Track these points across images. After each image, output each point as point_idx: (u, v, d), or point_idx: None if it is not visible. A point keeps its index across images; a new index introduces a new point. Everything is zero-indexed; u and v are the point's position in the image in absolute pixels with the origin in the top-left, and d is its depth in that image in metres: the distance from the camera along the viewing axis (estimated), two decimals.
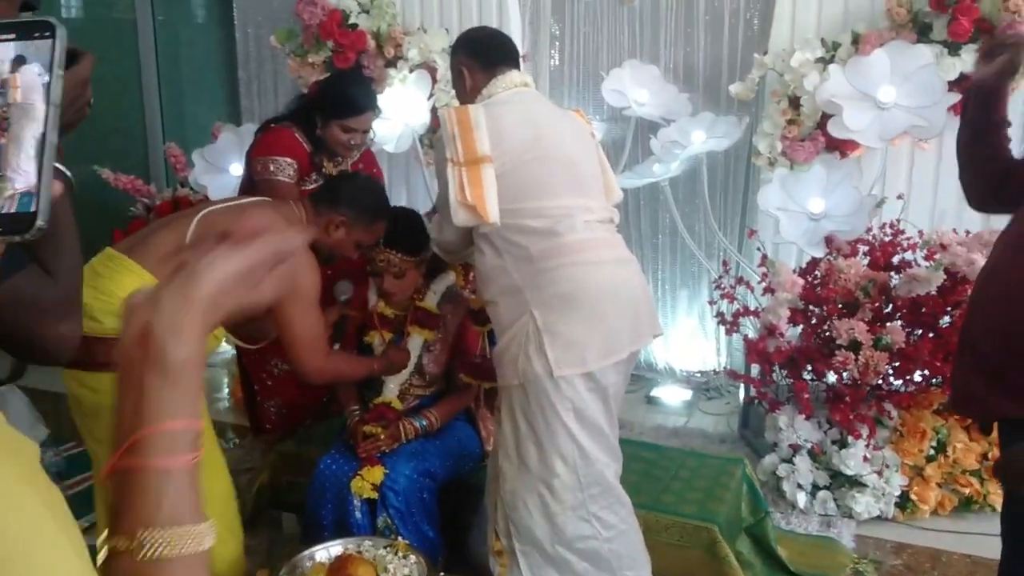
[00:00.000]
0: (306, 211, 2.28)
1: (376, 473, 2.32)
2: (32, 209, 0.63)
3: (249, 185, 3.02)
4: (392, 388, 2.50)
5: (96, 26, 5.79)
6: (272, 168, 2.78)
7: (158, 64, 5.34)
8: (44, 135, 0.63)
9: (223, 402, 4.25)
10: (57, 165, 1.10)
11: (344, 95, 2.84)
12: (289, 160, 2.81)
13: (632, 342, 2.02)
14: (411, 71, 3.77)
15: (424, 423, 2.46)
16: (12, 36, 0.63)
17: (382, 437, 2.39)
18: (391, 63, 3.84)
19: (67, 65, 1.15)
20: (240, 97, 4.79)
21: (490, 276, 2.05)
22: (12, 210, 0.62)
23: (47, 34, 0.64)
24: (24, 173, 0.63)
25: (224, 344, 4.40)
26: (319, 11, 3.82)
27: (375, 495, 2.31)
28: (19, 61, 0.64)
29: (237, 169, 3.73)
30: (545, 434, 1.98)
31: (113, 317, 1.93)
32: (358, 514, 2.33)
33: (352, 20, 3.85)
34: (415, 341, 2.51)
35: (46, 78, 0.64)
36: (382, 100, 3.63)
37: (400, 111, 3.70)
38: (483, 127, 2.00)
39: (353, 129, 2.83)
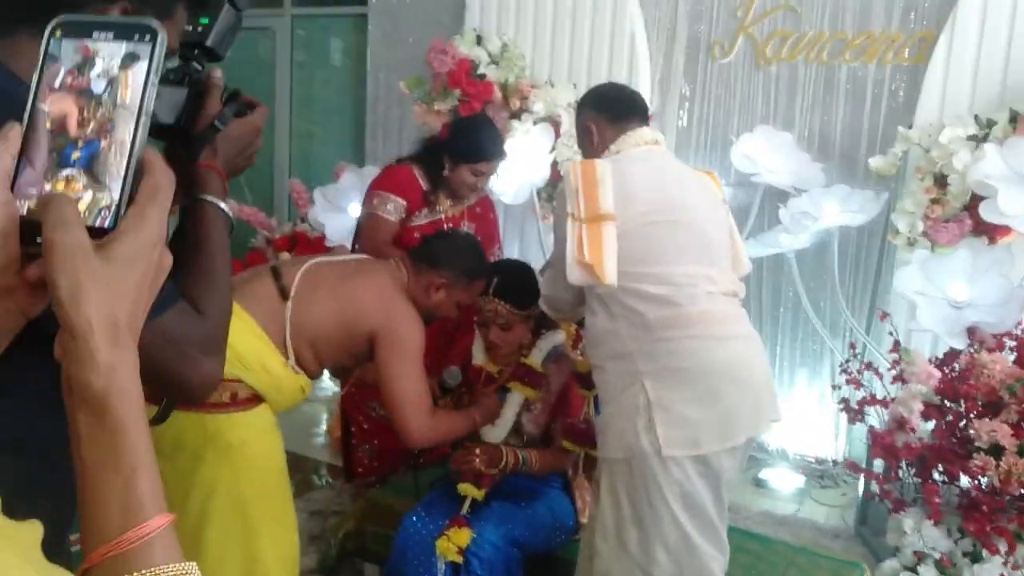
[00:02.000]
0: (406, 269, 2.25)
1: (463, 536, 2.21)
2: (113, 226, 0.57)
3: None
4: (492, 439, 2.40)
5: (236, 65, 6.06)
6: (376, 202, 2.88)
7: (291, 103, 5.53)
8: (132, 147, 0.57)
9: (320, 438, 4.25)
10: (219, 203, 1.08)
11: (478, 140, 2.91)
12: (398, 198, 2.88)
13: (751, 427, 1.86)
14: (535, 124, 3.74)
15: (526, 457, 2.35)
16: (110, 35, 0.57)
17: (477, 452, 2.30)
18: (515, 115, 3.82)
19: (242, 113, 1.14)
20: (366, 140, 4.89)
21: (600, 339, 1.94)
22: (106, 224, 0.56)
23: (147, 38, 0.57)
24: (118, 183, 0.57)
25: (327, 380, 4.46)
26: (449, 60, 3.85)
27: (460, 559, 2.20)
28: (131, 59, 0.57)
29: (356, 209, 3.76)
30: (648, 517, 1.84)
31: None
32: None
33: (481, 70, 3.86)
34: (515, 398, 2.41)
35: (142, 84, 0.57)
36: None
37: (521, 163, 3.66)
38: (608, 183, 1.91)
39: (483, 173, 2.90)
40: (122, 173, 0.56)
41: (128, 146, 0.56)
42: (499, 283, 2.39)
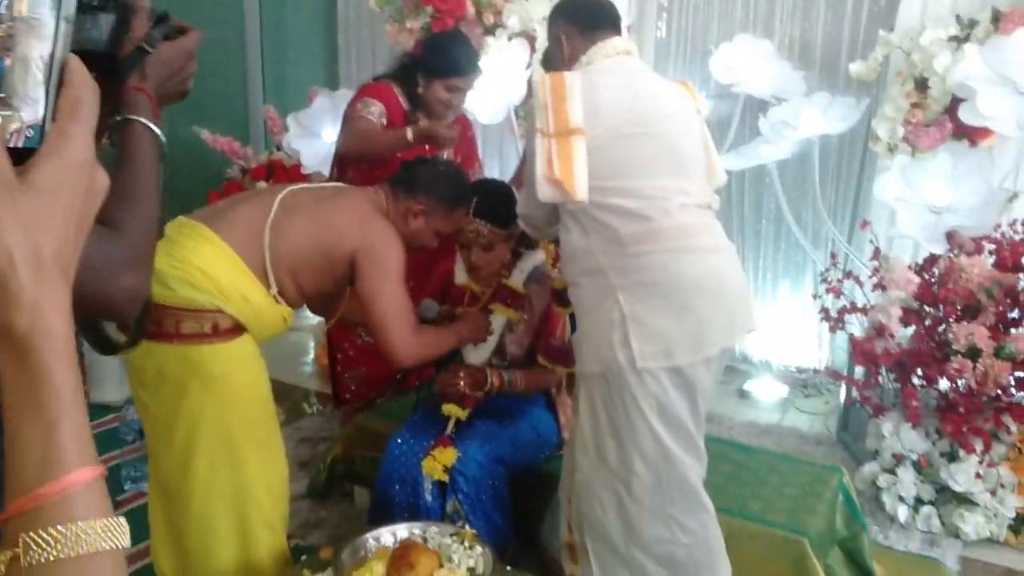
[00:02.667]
0: (385, 196, 2.21)
1: (448, 455, 2.24)
2: (39, 146, 0.53)
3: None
4: (475, 358, 2.41)
5: None
6: (359, 107, 2.81)
7: (261, 28, 5.37)
8: (53, 55, 0.53)
9: (307, 367, 4.27)
10: (151, 126, 1.05)
11: (450, 55, 2.84)
12: (382, 106, 2.82)
13: (724, 338, 1.86)
14: (510, 39, 3.65)
15: (510, 378, 2.37)
16: None
17: (461, 375, 2.32)
18: (490, 31, 3.72)
19: (171, 36, 1.09)
20: (339, 63, 4.77)
21: (574, 256, 1.92)
22: (19, 144, 0.52)
23: None
24: (33, 102, 0.53)
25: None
26: None
27: (445, 478, 2.23)
28: None
29: (330, 134, 3.70)
30: (626, 429, 1.85)
31: (186, 286, 1.88)
32: (428, 496, 2.26)
33: None
34: (497, 320, 2.41)
35: None
36: None
37: (496, 81, 3.58)
38: (577, 97, 1.86)
39: (457, 88, 2.83)
40: (42, 88, 0.53)
41: (40, 60, 0.53)
42: (479, 203, 2.36)
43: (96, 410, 3.55)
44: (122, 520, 0.53)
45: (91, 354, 3.68)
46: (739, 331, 1.93)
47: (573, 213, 1.89)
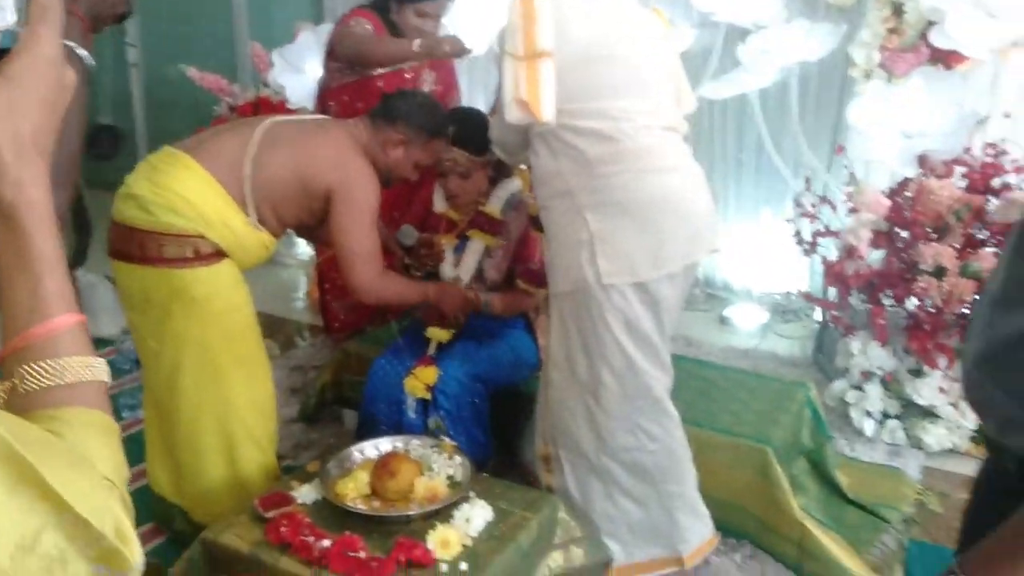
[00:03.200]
0: (364, 128, 2.25)
1: (429, 373, 2.34)
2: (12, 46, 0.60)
3: (325, 87, 3.03)
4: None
5: None
6: (352, 23, 2.84)
7: None
8: None
9: (299, 302, 4.35)
10: (74, 47, 1.10)
11: None
12: (368, 24, 2.86)
13: (686, 255, 1.94)
14: None
15: (488, 301, 2.46)
16: None
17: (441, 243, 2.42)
18: None
19: None
20: None
21: (544, 179, 1.99)
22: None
23: None
24: (2, 10, 0.60)
25: (304, 244, 4.53)
26: None
27: (427, 395, 2.33)
28: None
29: (314, 69, 3.72)
30: (594, 344, 1.94)
31: (168, 212, 1.95)
32: (411, 413, 2.36)
33: None
34: (475, 246, 2.49)
35: None
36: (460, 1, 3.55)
37: (479, 12, 3.59)
38: (547, 20, 1.91)
39: (427, 14, 2.84)
40: None
41: None
42: (456, 131, 2.41)
43: (92, 344, 3.65)
44: (102, 360, 0.64)
45: (85, 291, 3.78)
46: (702, 249, 2.00)
47: (543, 136, 1.95)
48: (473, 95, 4.14)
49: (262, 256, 2.16)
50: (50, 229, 0.63)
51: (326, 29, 3.70)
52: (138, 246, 1.97)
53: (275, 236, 2.16)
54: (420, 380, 2.33)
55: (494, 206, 2.53)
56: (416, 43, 2.67)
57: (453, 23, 3.57)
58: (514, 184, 2.58)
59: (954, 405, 2.72)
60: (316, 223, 2.23)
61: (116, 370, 3.17)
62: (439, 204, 2.58)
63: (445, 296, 2.40)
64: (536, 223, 2.47)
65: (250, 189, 2.03)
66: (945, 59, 3.01)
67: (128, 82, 6.09)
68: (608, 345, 1.93)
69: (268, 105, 4.24)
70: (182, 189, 1.96)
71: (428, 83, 3.06)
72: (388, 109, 2.28)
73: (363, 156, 2.20)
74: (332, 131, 2.22)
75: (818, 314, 3.58)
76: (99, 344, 3.61)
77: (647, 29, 2.07)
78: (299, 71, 3.83)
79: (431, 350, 2.43)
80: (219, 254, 2.02)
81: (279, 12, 5.35)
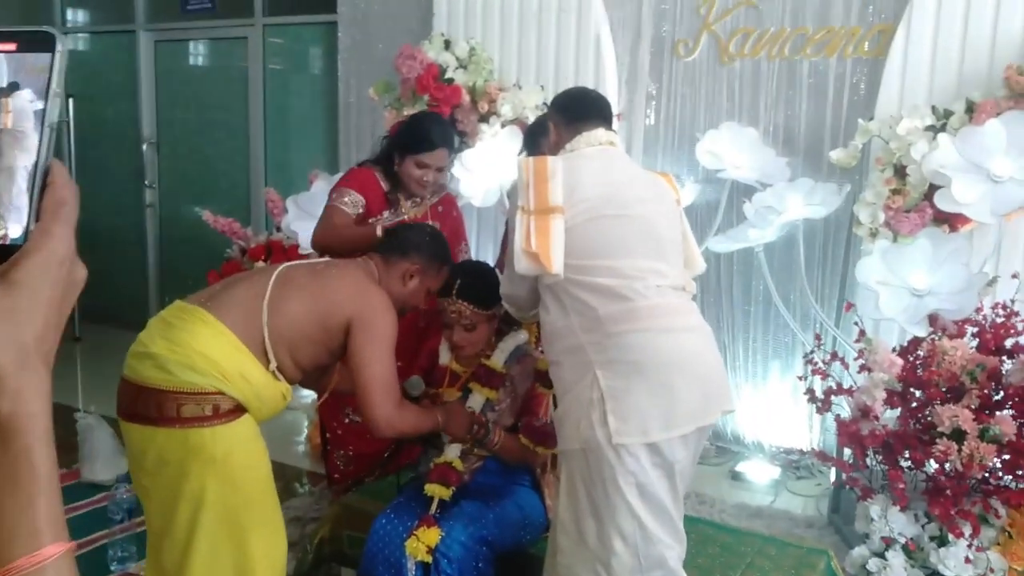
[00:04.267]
0: (376, 264, 2.28)
1: (431, 535, 2.23)
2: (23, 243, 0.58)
3: None
4: (454, 448, 2.42)
5: (213, 73, 6.09)
6: (335, 196, 2.90)
7: (265, 112, 5.54)
8: (36, 166, 0.57)
9: (300, 447, 4.26)
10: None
11: (419, 131, 2.92)
12: (356, 194, 2.90)
13: (700, 416, 1.89)
14: (503, 126, 3.77)
15: (489, 431, 2.38)
16: (13, 48, 0.58)
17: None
18: (484, 118, 3.85)
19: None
20: (339, 147, 4.91)
21: (555, 335, 1.98)
22: (5, 242, 0.57)
23: (46, 47, 0.58)
24: (17, 210, 0.58)
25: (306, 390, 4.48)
26: (418, 65, 3.88)
27: (429, 558, 2.22)
28: (12, 88, 0.58)
29: None
30: (605, 508, 1.87)
31: (186, 370, 1.91)
32: None
33: (449, 75, 3.89)
34: (476, 399, 2.44)
35: (39, 105, 0.58)
36: (472, 154, 3.66)
37: (489, 166, 3.69)
38: (559, 178, 1.96)
39: (426, 165, 2.89)
40: (25, 196, 0.58)
41: (24, 170, 0.58)
42: (462, 284, 2.42)
43: (86, 489, 3.55)
44: None
45: (83, 433, 3.71)
46: (715, 410, 1.96)
47: (553, 291, 1.96)
48: (482, 247, 4.20)
49: (279, 407, 2.11)
50: (48, 445, 0.59)
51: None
52: (155, 407, 1.91)
53: (292, 383, 2.11)
54: (422, 542, 2.22)
55: (497, 359, 2.50)
56: (378, 230, 2.72)
57: (462, 175, 3.67)
58: (520, 337, 2.55)
59: None
60: (331, 363, 2.21)
61: (107, 520, 3.06)
62: (444, 356, 2.55)
63: (451, 417, 2.35)
64: (544, 379, 2.44)
65: (268, 335, 2.01)
66: (951, 221, 3.06)
67: (143, 222, 6.22)
68: (619, 509, 1.85)
69: (280, 248, 4.29)
70: (199, 345, 1.93)
71: None
72: (399, 242, 2.33)
73: (380, 287, 2.21)
74: (346, 268, 2.24)
75: (832, 473, 3.48)
76: (92, 490, 3.51)
77: (659, 192, 2.11)
78: (313, 218, 3.88)
79: (433, 508, 2.33)
80: (238, 410, 1.97)
81: (296, 160, 5.53)
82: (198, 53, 6.09)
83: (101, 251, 6.46)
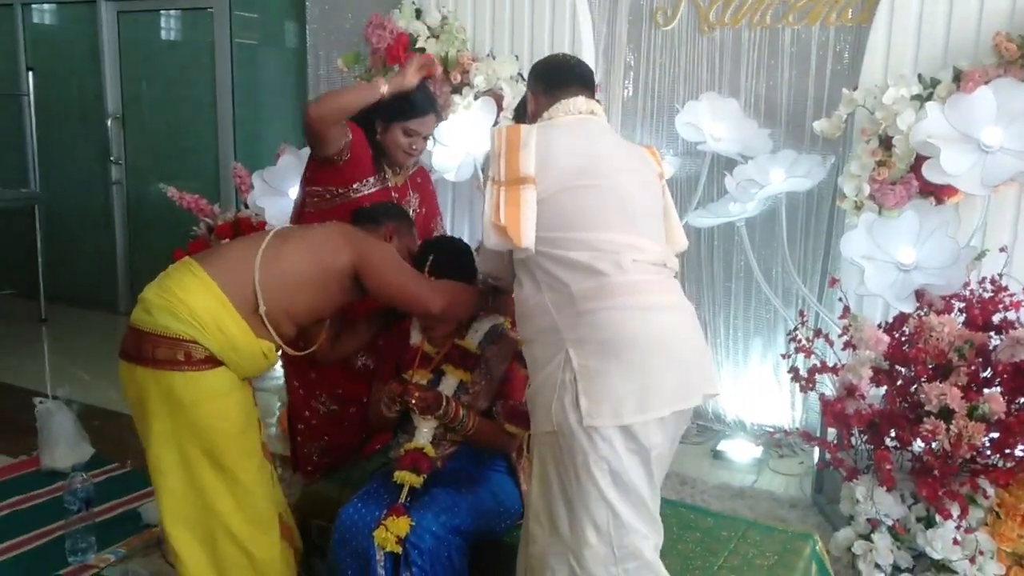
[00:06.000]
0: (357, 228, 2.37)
1: (401, 524, 2.13)
2: None
3: (300, 209, 2.93)
4: (425, 433, 2.32)
5: (178, 48, 5.90)
6: None
7: (233, 86, 5.38)
8: None
9: (272, 429, 4.14)
10: None
11: (406, 97, 2.76)
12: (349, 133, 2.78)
13: (678, 400, 1.79)
14: (476, 98, 3.64)
15: (465, 416, 2.29)
16: None
17: (417, 395, 2.25)
18: (457, 89, 3.71)
19: None
20: None
21: (528, 313, 1.88)
22: None
23: None
24: None
25: (279, 368, 4.36)
26: (387, 35, 3.73)
27: (398, 549, 2.12)
28: None
29: (295, 192, 3.64)
30: (577, 496, 1.77)
31: (166, 314, 2.01)
32: (381, 570, 2.14)
33: (420, 44, 3.74)
34: (449, 382, 2.34)
35: None
36: (445, 126, 3.53)
37: (463, 139, 3.56)
38: (532, 147, 1.86)
39: (415, 132, 2.77)
40: None
41: None
42: (434, 261, 2.33)
43: (45, 477, 3.43)
44: None
45: (42, 419, 3.58)
46: (694, 394, 1.85)
47: (526, 266, 1.87)
48: (457, 223, 4.08)
49: (261, 365, 2.18)
50: None
51: (306, 152, 3.65)
52: (135, 346, 2.05)
53: (285, 336, 2.19)
54: (391, 532, 2.12)
55: (471, 339, 2.40)
56: (383, 87, 2.66)
57: (434, 148, 3.54)
58: (495, 317, 2.45)
59: (971, 559, 2.52)
60: (329, 315, 2.33)
61: (64, 510, 2.94)
62: (415, 337, 2.44)
63: (502, 300, 2.39)
64: (522, 359, 2.34)
65: (259, 280, 2.09)
66: (937, 193, 2.97)
67: (110, 200, 6.04)
68: (592, 497, 1.75)
69: (248, 225, 4.15)
70: (182, 293, 2.03)
71: (413, 205, 2.98)
72: (367, 215, 2.47)
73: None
74: (332, 224, 2.37)
75: (815, 452, 3.41)
76: (52, 477, 3.38)
77: (640, 164, 2.01)
78: (280, 194, 3.75)
79: (403, 496, 2.23)
80: (212, 360, 2.05)
81: (266, 134, 5.37)
82: (163, 25, 5.89)
83: (66, 231, 6.29)
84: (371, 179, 2.81)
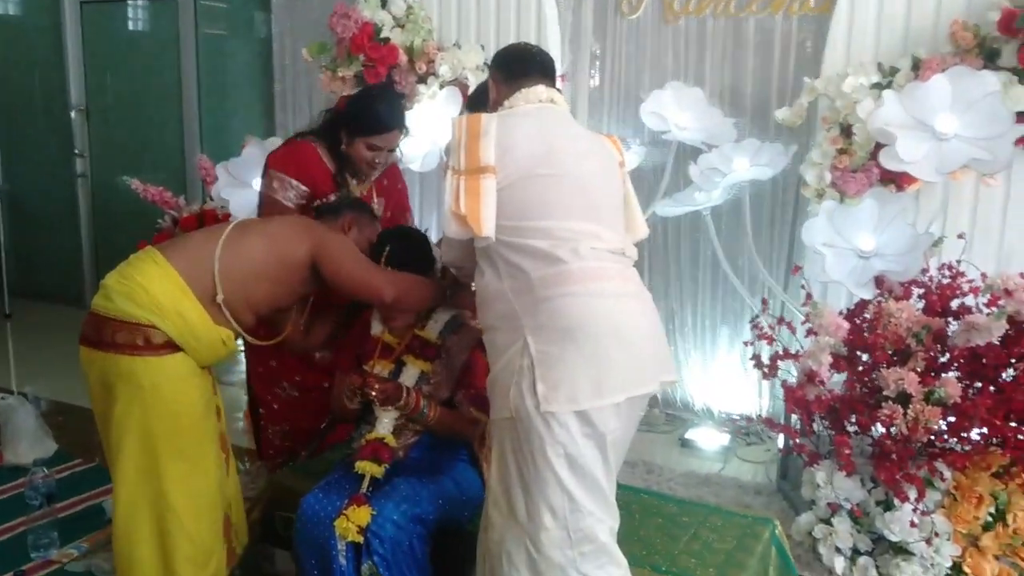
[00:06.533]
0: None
1: (362, 514, 2.13)
2: None
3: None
4: (386, 423, 2.32)
5: (143, 39, 5.83)
6: (275, 186, 2.73)
7: (198, 77, 5.33)
8: None
9: (239, 423, 4.12)
10: None
11: (371, 111, 2.74)
12: (300, 185, 2.74)
13: (634, 386, 1.81)
14: (441, 87, 3.63)
15: (426, 406, 2.30)
16: None
17: (377, 386, 2.26)
18: (422, 79, 3.70)
19: None
20: (276, 112, 4.73)
21: (490, 300, 1.89)
22: None
23: None
24: None
25: (243, 362, 4.33)
26: (352, 24, 3.70)
27: (360, 539, 2.12)
28: None
29: (260, 184, 3.61)
30: (534, 481, 1.78)
31: (126, 299, 2.04)
32: (342, 559, 2.15)
33: (385, 34, 3.72)
34: (410, 372, 2.34)
35: None
36: (410, 116, 3.51)
37: (428, 129, 3.55)
38: (492, 136, 1.86)
39: (378, 147, 2.75)
40: None
41: None
42: (391, 252, 2.33)
43: (7, 473, 3.39)
44: None
45: (4, 415, 3.54)
46: (651, 380, 1.87)
47: (487, 254, 1.88)
48: (426, 214, 4.07)
49: (220, 352, 2.20)
50: None
51: (272, 143, 3.63)
52: (96, 331, 2.08)
53: (245, 325, 2.23)
54: (352, 521, 2.12)
55: (431, 329, 2.40)
56: None
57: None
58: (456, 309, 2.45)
59: (927, 540, 2.56)
60: (290, 304, 2.36)
61: (25, 505, 2.91)
62: (375, 327, 2.44)
63: (457, 296, 2.45)
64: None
65: (219, 270, 2.12)
66: (897, 180, 2.99)
67: (75, 193, 5.97)
68: (548, 482, 1.77)
69: (214, 217, 4.11)
70: (142, 278, 2.06)
71: (378, 210, 2.96)
72: (326, 207, 2.54)
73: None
74: (293, 217, 2.50)
75: (780, 439, 3.44)
76: (14, 473, 3.34)
77: (599, 152, 2.02)
78: (244, 185, 3.72)
79: (364, 486, 2.22)
80: (170, 346, 2.08)
81: (232, 125, 5.33)
82: (128, 15, 5.82)
83: (31, 224, 6.21)
84: (332, 196, 2.77)
